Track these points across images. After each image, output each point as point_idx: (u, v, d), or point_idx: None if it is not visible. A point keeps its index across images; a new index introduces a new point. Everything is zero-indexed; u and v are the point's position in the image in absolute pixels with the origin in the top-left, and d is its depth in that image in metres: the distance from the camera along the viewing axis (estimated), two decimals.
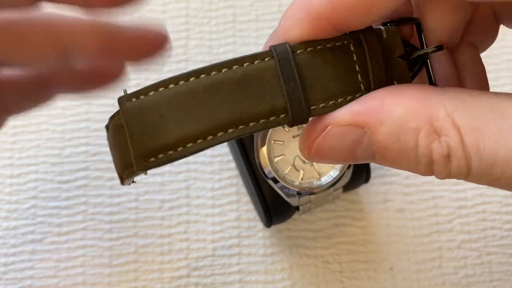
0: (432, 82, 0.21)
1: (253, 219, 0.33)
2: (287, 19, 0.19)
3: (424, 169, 0.18)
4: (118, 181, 0.34)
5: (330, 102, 0.18)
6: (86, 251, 0.32)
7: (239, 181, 0.34)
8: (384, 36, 0.19)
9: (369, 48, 0.19)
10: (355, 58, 0.19)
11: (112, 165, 0.34)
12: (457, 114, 0.17)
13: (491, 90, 0.36)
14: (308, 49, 0.18)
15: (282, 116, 0.18)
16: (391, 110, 0.17)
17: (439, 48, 0.20)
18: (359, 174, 0.31)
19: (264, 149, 0.28)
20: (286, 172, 0.29)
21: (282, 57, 0.18)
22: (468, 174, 0.17)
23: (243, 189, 0.34)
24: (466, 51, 0.23)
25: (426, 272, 0.33)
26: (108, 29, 0.21)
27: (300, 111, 0.18)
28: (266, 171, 0.29)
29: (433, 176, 0.34)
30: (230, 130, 0.18)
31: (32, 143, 0.34)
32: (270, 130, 0.28)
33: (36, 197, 0.33)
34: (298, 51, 0.18)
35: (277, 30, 0.19)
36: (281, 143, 0.29)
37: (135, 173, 0.18)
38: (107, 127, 0.19)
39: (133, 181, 0.19)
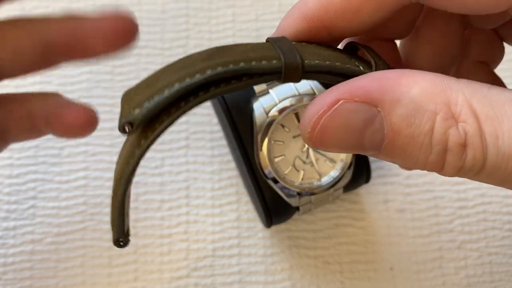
0: None
1: (253, 219, 0.33)
2: (285, 19, 0.20)
3: (434, 160, 0.16)
4: None
5: (327, 62, 0.17)
6: (86, 251, 0.32)
7: (239, 181, 0.34)
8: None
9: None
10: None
11: (112, 165, 0.34)
12: (476, 100, 0.16)
13: None
14: (303, 43, 0.19)
15: (274, 61, 0.17)
16: (408, 89, 0.16)
17: None
18: (359, 175, 0.31)
19: (264, 150, 0.28)
20: (286, 172, 0.29)
21: (278, 40, 0.18)
22: (482, 167, 0.16)
23: (243, 189, 0.34)
24: (479, 71, 0.23)
25: (426, 273, 0.33)
26: (79, 21, 0.20)
27: (293, 59, 0.17)
28: (266, 172, 0.28)
29: (433, 176, 0.34)
30: (219, 68, 0.16)
31: (31, 143, 0.34)
32: (270, 130, 0.28)
33: (36, 197, 0.33)
34: (293, 42, 0.19)
35: (277, 29, 0.20)
36: (281, 143, 0.29)
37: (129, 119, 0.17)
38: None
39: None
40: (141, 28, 0.36)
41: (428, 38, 0.21)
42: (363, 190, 0.34)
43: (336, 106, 0.16)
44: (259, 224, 0.33)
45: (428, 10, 0.21)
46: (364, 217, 0.34)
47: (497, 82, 0.23)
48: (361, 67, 0.18)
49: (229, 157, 0.34)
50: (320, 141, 0.17)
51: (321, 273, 0.32)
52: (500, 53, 0.23)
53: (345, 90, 0.16)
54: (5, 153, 0.34)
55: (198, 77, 0.16)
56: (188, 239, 0.33)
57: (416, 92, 0.16)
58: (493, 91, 0.16)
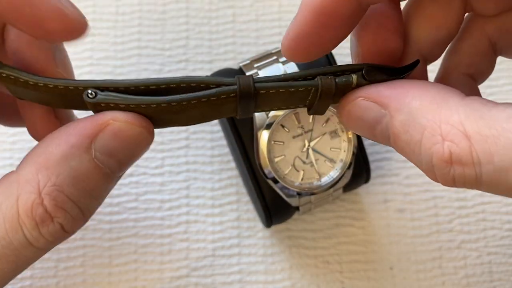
0: None
1: (253, 219, 0.33)
2: None
3: (425, 169, 0.18)
4: (118, 181, 0.34)
5: (273, 109, 0.21)
6: (86, 251, 0.32)
7: (239, 181, 0.34)
8: (354, 85, 0.20)
9: (321, 96, 0.20)
10: (310, 96, 0.20)
11: None
12: (469, 122, 0.17)
13: (490, 90, 0.36)
14: (271, 91, 0.20)
15: (231, 115, 0.21)
16: (411, 100, 0.18)
17: None
18: (359, 175, 0.31)
19: (264, 150, 0.28)
20: (286, 172, 0.29)
21: (244, 99, 0.20)
22: (478, 181, 0.17)
23: (243, 189, 0.34)
24: (466, 84, 0.23)
25: (426, 272, 0.33)
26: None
27: (246, 116, 0.21)
28: (266, 171, 0.29)
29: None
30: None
31: (32, 143, 0.34)
32: (270, 130, 0.28)
33: None
34: (261, 92, 0.20)
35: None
36: (281, 143, 0.29)
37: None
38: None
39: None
40: (141, 29, 0.36)
41: (428, 8, 0.21)
42: (363, 190, 0.34)
43: (355, 101, 0.20)
44: (259, 224, 0.33)
45: None
46: (364, 217, 0.34)
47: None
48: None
49: (229, 157, 0.34)
50: (347, 124, 0.21)
51: (321, 273, 0.33)
52: (490, 68, 0.24)
53: (364, 91, 0.20)
54: (6, 153, 0.34)
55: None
56: (188, 239, 0.33)
57: (415, 105, 0.18)
58: (493, 110, 0.17)
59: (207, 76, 0.20)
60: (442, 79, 0.23)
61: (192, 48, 0.36)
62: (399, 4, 0.22)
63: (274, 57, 0.29)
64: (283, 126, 0.28)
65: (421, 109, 0.18)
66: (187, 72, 0.36)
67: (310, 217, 0.33)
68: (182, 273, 0.32)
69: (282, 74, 0.20)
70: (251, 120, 0.29)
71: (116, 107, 0.19)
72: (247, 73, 0.29)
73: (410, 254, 0.33)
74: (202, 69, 0.36)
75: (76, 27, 0.20)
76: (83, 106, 0.20)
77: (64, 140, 0.19)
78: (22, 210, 0.19)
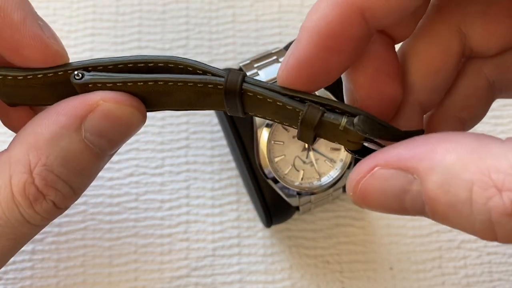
0: None
1: (253, 219, 0.33)
2: (313, 9, 0.18)
3: (481, 229, 0.15)
4: (118, 181, 0.34)
5: (266, 118, 0.20)
6: (86, 251, 0.32)
7: (239, 181, 0.34)
8: (341, 128, 0.18)
9: (302, 123, 0.19)
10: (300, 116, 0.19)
11: (112, 165, 0.34)
12: None
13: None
14: (258, 96, 0.19)
15: (222, 108, 0.20)
16: (443, 156, 0.15)
17: None
18: None
19: (264, 150, 0.28)
20: (286, 172, 0.29)
21: (229, 94, 0.19)
22: None
23: (243, 189, 0.34)
24: (455, 129, 0.22)
25: (426, 272, 0.33)
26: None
27: (236, 113, 0.20)
28: (266, 171, 0.29)
29: None
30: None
31: None
32: (270, 130, 0.28)
33: None
34: (249, 93, 0.19)
35: (305, 20, 0.19)
36: (281, 143, 0.29)
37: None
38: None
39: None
40: (141, 29, 0.36)
41: (426, 51, 0.20)
42: None
43: (372, 172, 0.17)
44: (259, 224, 0.33)
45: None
46: (364, 217, 0.34)
47: None
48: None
49: (229, 157, 0.34)
50: (363, 202, 0.18)
51: (321, 273, 0.33)
52: (484, 111, 0.22)
53: (381, 157, 0.17)
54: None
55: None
56: (188, 239, 0.33)
57: (450, 160, 0.15)
58: None
59: (195, 61, 0.19)
60: (430, 123, 0.22)
61: (192, 48, 0.36)
62: (394, 48, 0.20)
63: (274, 57, 0.29)
64: (283, 126, 0.28)
65: (460, 162, 0.15)
66: None
67: (310, 217, 0.33)
68: (182, 273, 0.32)
69: (270, 83, 0.19)
70: (251, 120, 0.29)
71: (103, 86, 0.19)
72: (247, 73, 0.29)
73: (410, 254, 0.33)
74: None
75: (55, 60, 0.20)
76: (74, 94, 0.20)
77: (53, 120, 0.19)
78: (16, 190, 0.19)
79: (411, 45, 0.21)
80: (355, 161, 0.30)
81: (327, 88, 0.28)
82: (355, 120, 0.18)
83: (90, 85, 0.19)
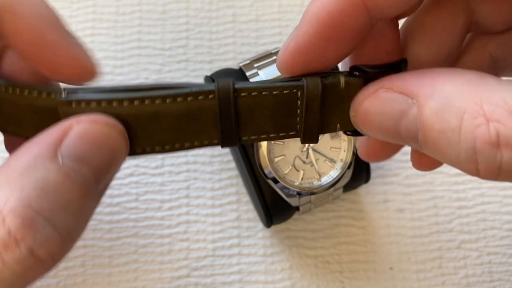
0: None
1: (253, 219, 0.33)
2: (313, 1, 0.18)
3: (465, 159, 0.16)
4: (118, 181, 0.34)
5: (262, 136, 0.19)
6: (86, 251, 0.32)
7: (239, 181, 0.34)
8: (342, 86, 0.19)
9: (307, 99, 0.19)
10: (299, 103, 0.19)
11: None
12: None
13: None
14: (253, 93, 0.19)
15: (214, 141, 0.20)
16: (443, 85, 0.16)
17: None
18: (359, 174, 0.31)
19: (264, 150, 0.28)
20: (286, 172, 0.29)
21: (223, 100, 0.18)
22: None
23: (243, 189, 0.34)
24: None
25: (426, 272, 0.33)
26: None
27: (230, 141, 0.19)
28: (266, 171, 0.29)
29: (433, 176, 0.34)
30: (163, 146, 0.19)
31: None
32: None
33: None
34: (243, 94, 0.19)
35: (304, 16, 0.19)
36: (281, 143, 0.29)
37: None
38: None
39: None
40: (141, 29, 0.36)
41: (432, 25, 0.20)
42: (363, 190, 0.34)
43: (375, 93, 0.18)
44: (259, 224, 0.33)
45: None
46: (364, 217, 0.34)
47: None
48: (298, 126, 0.19)
49: (229, 157, 0.34)
50: (363, 122, 0.18)
51: (321, 273, 0.33)
52: None
53: (386, 82, 0.18)
54: (6, 153, 0.34)
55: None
56: (188, 239, 0.33)
57: (449, 89, 0.16)
58: None
59: (179, 82, 0.19)
60: None
61: (192, 48, 0.36)
62: (397, 23, 0.20)
63: (274, 57, 0.29)
64: None
65: (458, 91, 0.16)
66: (187, 72, 0.36)
67: (310, 217, 0.33)
68: (182, 273, 0.32)
69: (264, 80, 0.19)
70: None
71: (87, 107, 0.18)
72: (247, 73, 0.29)
73: (410, 254, 0.33)
74: (202, 69, 0.36)
75: (89, 75, 0.20)
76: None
77: (26, 152, 0.17)
78: None
79: (417, 17, 0.21)
80: (355, 161, 0.30)
81: None
82: (351, 69, 0.19)
83: (73, 105, 0.18)
